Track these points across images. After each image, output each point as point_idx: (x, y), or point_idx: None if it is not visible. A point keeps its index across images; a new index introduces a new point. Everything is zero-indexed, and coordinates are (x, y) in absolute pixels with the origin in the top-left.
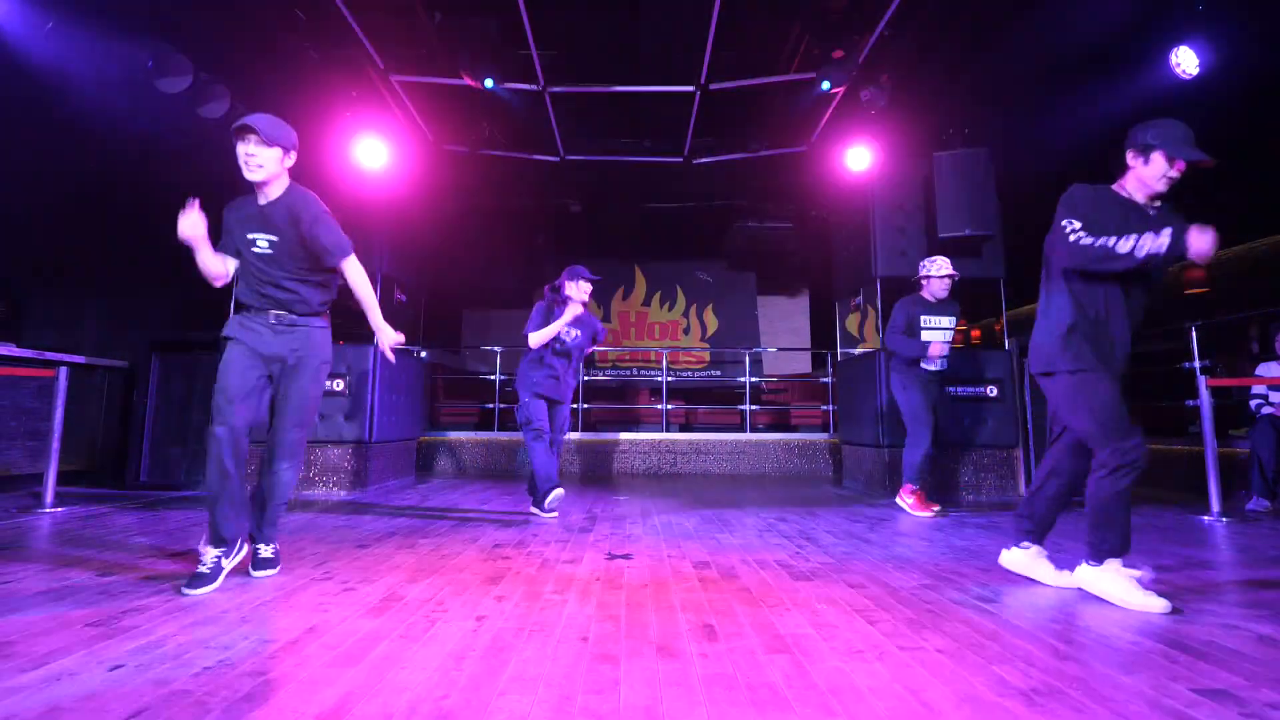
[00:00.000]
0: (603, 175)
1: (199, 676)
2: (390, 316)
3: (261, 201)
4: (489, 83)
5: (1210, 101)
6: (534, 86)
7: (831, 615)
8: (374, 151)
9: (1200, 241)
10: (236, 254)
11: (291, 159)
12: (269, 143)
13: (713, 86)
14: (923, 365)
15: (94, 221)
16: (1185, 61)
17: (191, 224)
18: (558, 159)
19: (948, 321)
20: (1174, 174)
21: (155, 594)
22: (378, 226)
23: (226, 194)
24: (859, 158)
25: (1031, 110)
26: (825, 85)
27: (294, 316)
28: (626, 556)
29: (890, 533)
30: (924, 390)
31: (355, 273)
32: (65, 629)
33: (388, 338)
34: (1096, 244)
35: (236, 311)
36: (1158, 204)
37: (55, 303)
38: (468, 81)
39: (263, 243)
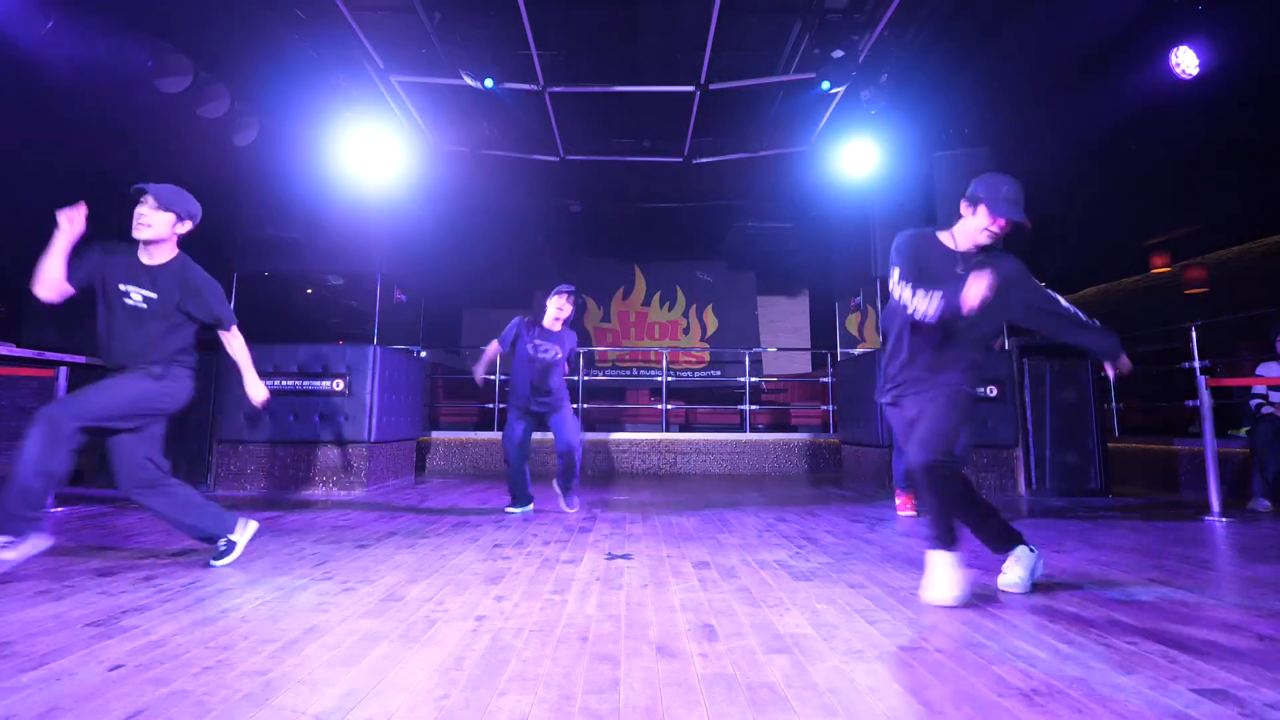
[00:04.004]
0: (603, 175)
1: (199, 676)
2: (390, 316)
3: (145, 260)
4: (489, 83)
5: (1210, 101)
6: (534, 86)
7: (831, 615)
8: (374, 151)
9: (970, 293)
10: (89, 291)
11: (186, 227)
12: (162, 207)
13: (713, 86)
14: None
15: (94, 222)
16: (1185, 61)
17: (74, 220)
18: (558, 159)
19: None
20: (994, 229)
21: (155, 594)
22: (378, 226)
23: (226, 193)
24: (859, 158)
25: (1032, 110)
26: (825, 85)
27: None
28: (626, 556)
29: (890, 533)
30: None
31: (238, 341)
32: (65, 629)
33: (259, 393)
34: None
35: None
36: (979, 255)
37: (55, 303)
38: (468, 81)
39: (137, 296)
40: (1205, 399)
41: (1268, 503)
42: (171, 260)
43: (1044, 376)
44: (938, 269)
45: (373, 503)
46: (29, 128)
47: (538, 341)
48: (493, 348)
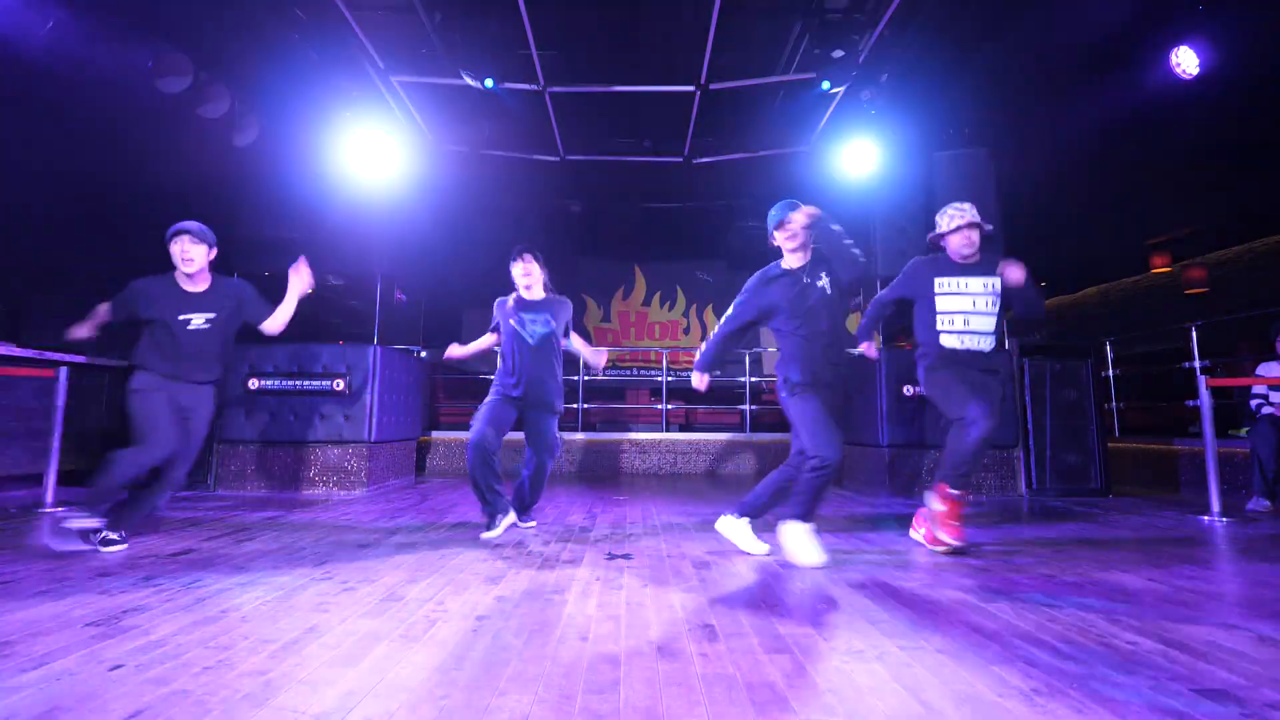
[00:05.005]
0: (603, 175)
1: (199, 676)
2: (390, 316)
3: (191, 289)
4: (489, 83)
5: (1210, 101)
6: (534, 86)
7: (831, 615)
8: (374, 151)
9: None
10: (144, 323)
11: (213, 254)
12: (199, 241)
13: (713, 86)
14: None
15: (94, 221)
16: (1185, 61)
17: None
18: (558, 159)
19: (979, 285)
20: (787, 236)
21: (155, 594)
22: (378, 226)
23: (226, 193)
24: (859, 158)
25: (1031, 110)
26: (825, 85)
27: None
28: (626, 556)
29: (891, 532)
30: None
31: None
32: (65, 629)
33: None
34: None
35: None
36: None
37: (55, 303)
38: (468, 81)
39: (199, 320)
40: (1205, 399)
41: (1267, 502)
42: (215, 283)
43: (1044, 376)
44: (794, 285)
45: (373, 503)
46: (29, 128)
47: (522, 314)
48: (486, 340)
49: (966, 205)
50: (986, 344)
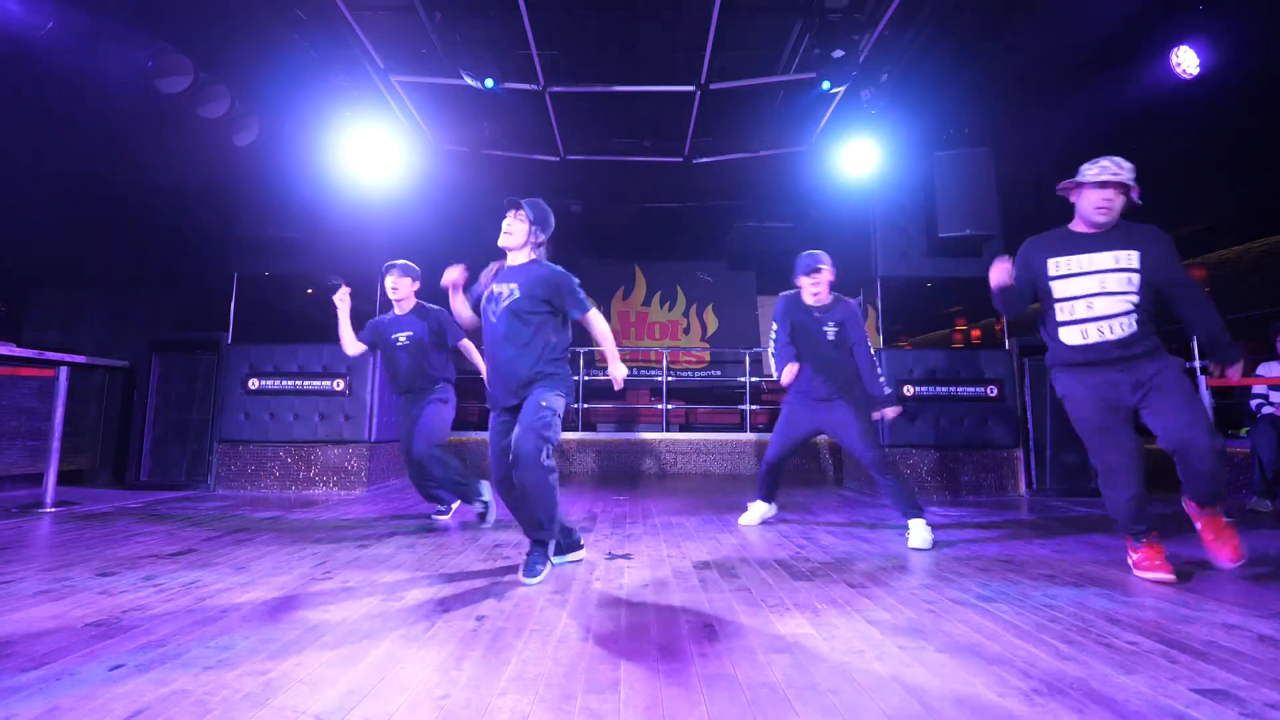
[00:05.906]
0: (603, 175)
1: (199, 676)
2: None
3: (399, 312)
4: (489, 83)
5: (1210, 101)
6: (534, 86)
7: (831, 615)
8: (374, 151)
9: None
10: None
11: (416, 286)
12: (405, 275)
13: (713, 86)
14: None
15: (94, 221)
16: (1185, 61)
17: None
18: (558, 159)
19: (1109, 259)
20: (810, 285)
21: (155, 594)
22: (378, 226)
23: (226, 193)
24: (859, 158)
25: (1032, 110)
26: (825, 85)
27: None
28: (626, 556)
29: (890, 533)
30: (1093, 395)
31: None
32: (65, 629)
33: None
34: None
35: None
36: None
37: (55, 303)
38: (468, 81)
39: (403, 338)
40: (1205, 399)
41: (1267, 502)
42: (416, 307)
43: (1044, 376)
44: (811, 318)
45: (373, 503)
46: (29, 128)
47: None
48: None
49: (1127, 165)
50: (1121, 328)
